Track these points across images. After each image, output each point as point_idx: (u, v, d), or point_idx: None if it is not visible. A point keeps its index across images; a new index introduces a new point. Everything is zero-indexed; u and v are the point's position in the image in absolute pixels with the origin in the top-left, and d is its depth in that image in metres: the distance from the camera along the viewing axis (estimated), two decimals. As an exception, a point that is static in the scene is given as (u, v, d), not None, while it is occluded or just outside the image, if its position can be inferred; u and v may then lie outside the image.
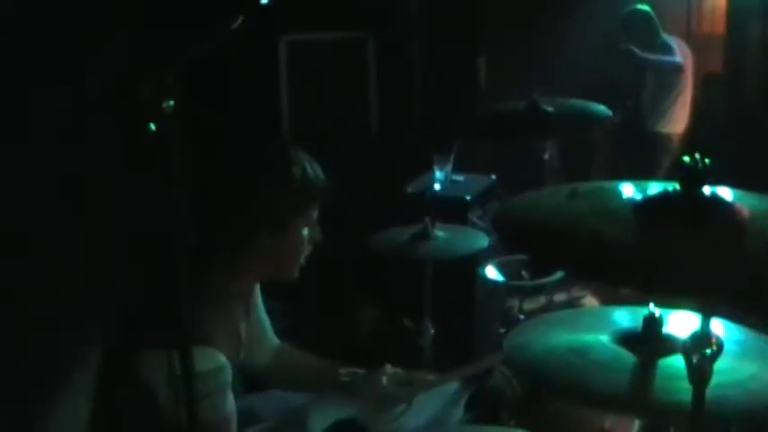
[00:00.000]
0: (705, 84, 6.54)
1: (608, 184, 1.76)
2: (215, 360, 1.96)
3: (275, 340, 2.68)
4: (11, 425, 2.97)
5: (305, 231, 2.24)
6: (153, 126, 1.24)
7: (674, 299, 1.51)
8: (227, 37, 1.38)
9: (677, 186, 1.53)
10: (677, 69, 6.04)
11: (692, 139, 6.10)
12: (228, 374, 2.02)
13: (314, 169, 2.23)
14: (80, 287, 3.11)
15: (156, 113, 1.23)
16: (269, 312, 2.65)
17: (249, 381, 2.60)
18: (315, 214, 2.27)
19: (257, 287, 2.50)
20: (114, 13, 3.17)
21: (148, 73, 1.25)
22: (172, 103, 1.24)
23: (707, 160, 1.47)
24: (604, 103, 3.50)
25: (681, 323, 1.87)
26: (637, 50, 6.01)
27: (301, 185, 2.18)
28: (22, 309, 2.94)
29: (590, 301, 4.53)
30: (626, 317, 2.03)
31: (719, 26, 7.08)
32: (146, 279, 2.20)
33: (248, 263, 2.20)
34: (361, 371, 2.66)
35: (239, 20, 1.34)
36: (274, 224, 2.16)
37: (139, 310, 2.12)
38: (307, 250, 2.29)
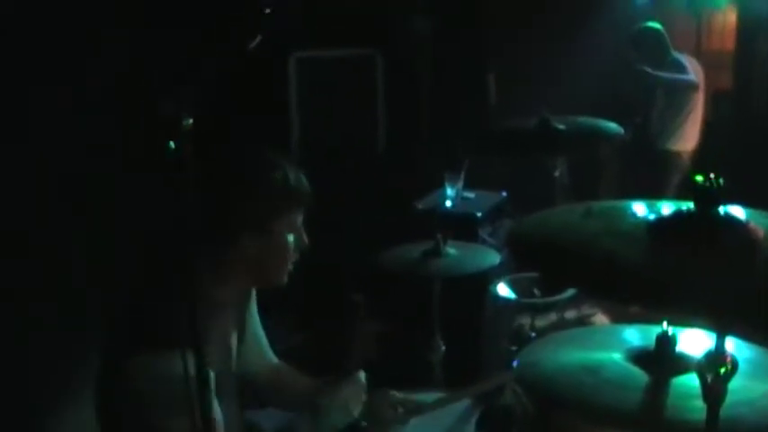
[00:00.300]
0: (715, 100, 6.54)
1: (622, 204, 1.76)
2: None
3: (274, 359, 2.67)
4: (13, 426, 2.97)
5: (290, 237, 2.23)
6: (172, 144, 1.25)
7: (687, 318, 1.51)
8: (244, 54, 1.38)
9: (691, 206, 1.53)
10: (691, 87, 6.02)
11: (701, 156, 6.09)
12: (211, 381, 2.00)
13: (295, 174, 2.23)
14: (80, 287, 3.12)
15: (175, 131, 1.24)
16: (275, 329, 2.64)
17: (248, 398, 2.58)
18: (298, 220, 2.26)
19: (254, 303, 2.50)
20: (117, 15, 3.19)
21: (167, 88, 1.25)
22: (191, 120, 1.25)
23: (720, 180, 1.47)
24: (614, 121, 3.50)
25: (693, 342, 1.87)
26: (650, 70, 6.00)
27: (282, 188, 2.18)
28: (21, 309, 2.95)
29: (600, 318, 4.52)
30: (637, 335, 2.03)
31: (729, 42, 7.08)
32: (137, 282, 2.20)
33: (232, 265, 2.18)
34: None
35: (258, 39, 1.34)
36: (256, 226, 2.15)
37: (130, 313, 2.12)
38: (293, 257, 2.28)
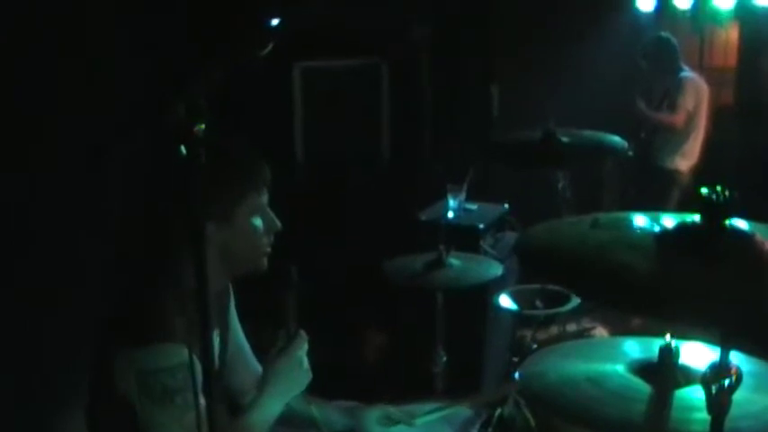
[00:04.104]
0: (717, 116, 6.54)
1: (628, 215, 1.77)
2: (182, 354, 1.91)
3: (259, 368, 2.63)
4: (24, 426, 2.98)
5: (256, 221, 2.20)
6: (183, 149, 1.26)
7: (694, 329, 1.52)
8: (255, 62, 1.40)
9: (697, 218, 1.54)
10: (672, 127, 6.04)
11: (703, 172, 6.10)
12: (198, 372, 1.99)
13: (248, 155, 2.20)
14: (93, 289, 3.12)
15: (187, 136, 1.25)
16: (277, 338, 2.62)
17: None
18: (261, 201, 2.21)
19: (234, 313, 2.49)
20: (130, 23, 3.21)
21: (181, 94, 1.26)
22: (203, 126, 1.26)
23: (727, 192, 1.48)
24: (619, 135, 3.51)
25: (695, 354, 1.88)
26: (644, 107, 6.05)
27: (235, 173, 2.15)
28: (35, 310, 2.96)
29: (600, 331, 4.55)
30: (638, 347, 2.04)
31: (732, 59, 7.10)
32: (128, 279, 2.19)
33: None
34: (352, 404, 2.69)
35: (269, 47, 1.36)
36: (218, 214, 2.11)
37: (120, 309, 2.11)
38: (265, 240, 2.24)
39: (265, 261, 2.27)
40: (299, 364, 2.30)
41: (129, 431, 1.98)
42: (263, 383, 2.27)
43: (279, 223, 2.26)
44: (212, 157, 2.07)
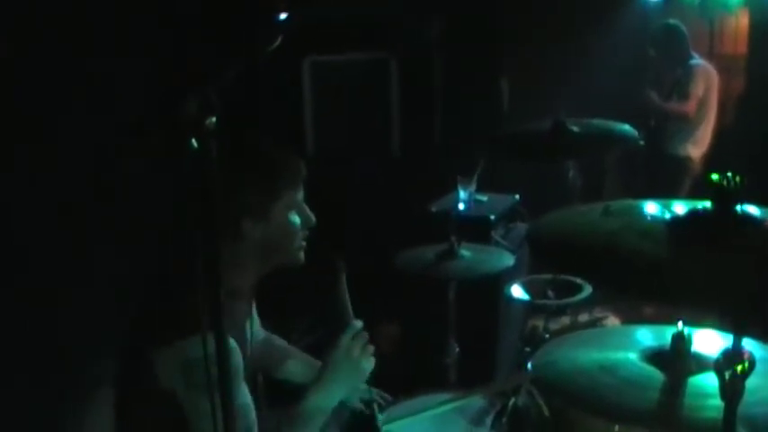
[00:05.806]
0: (727, 103, 6.52)
1: (639, 203, 1.77)
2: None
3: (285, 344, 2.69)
4: (41, 425, 3.00)
5: (293, 217, 2.23)
6: (195, 142, 1.26)
7: (706, 316, 1.52)
8: (265, 56, 1.40)
9: (708, 205, 1.54)
10: (684, 116, 6.01)
11: (713, 160, 6.07)
12: (239, 359, 1.99)
13: (283, 153, 2.23)
14: (106, 288, 3.14)
15: (198, 130, 1.25)
16: (293, 328, 2.65)
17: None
18: (297, 198, 2.25)
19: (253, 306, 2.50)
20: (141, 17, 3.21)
21: (192, 88, 1.27)
22: (214, 119, 1.27)
23: (738, 178, 1.48)
24: (629, 123, 3.49)
25: (708, 342, 1.88)
26: (655, 97, 6.02)
27: (271, 171, 2.18)
28: (35, 310, 2.97)
29: (612, 321, 4.54)
30: (650, 336, 2.05)
31: (742, 46, 7.07)
32: (161, 273, 2.20)
33: (239, 251, 2.15)
34: None
35: (279, 40, 1.36)
36: (254, 211, 2.14)
37: (154, 305, 2.12)
38: (301, 235, 2.27)
39: (302, 255, 2.30)
40: (350, 355, 2.30)
41: (169, 424, 1.98)
42: (319, 373, 2.30)
43: (314, 219, 2.29)
44: (249, 154, 2.13)
